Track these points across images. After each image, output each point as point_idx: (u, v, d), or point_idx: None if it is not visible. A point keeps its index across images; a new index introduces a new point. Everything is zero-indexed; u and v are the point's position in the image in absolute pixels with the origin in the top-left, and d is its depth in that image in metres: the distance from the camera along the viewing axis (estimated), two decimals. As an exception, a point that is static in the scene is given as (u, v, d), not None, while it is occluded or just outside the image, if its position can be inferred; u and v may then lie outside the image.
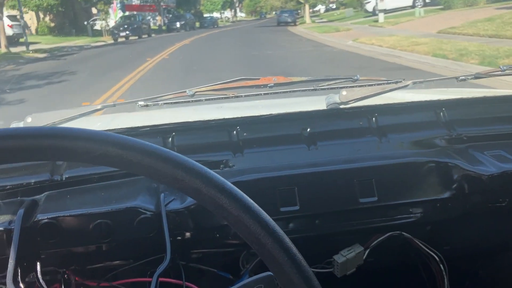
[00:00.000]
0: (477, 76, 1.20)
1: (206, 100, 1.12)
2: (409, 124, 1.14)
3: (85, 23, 32.19)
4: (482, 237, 1.15)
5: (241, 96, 1.15)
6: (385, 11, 25.23)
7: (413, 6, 26.69)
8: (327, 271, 1.02)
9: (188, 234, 0.94)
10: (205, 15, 58.67)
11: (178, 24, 35.84)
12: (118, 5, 38.50)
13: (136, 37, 29.37)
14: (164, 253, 0.85)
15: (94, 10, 36.68)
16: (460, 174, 0.98)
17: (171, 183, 0.44)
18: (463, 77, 1.22)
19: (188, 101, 1.12)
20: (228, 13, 77.56)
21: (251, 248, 1.02)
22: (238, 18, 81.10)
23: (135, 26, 29.59)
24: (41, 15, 32.39)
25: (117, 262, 0.98)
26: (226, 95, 1.11)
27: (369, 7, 29.16)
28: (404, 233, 1.05)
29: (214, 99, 1.14)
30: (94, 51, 18.98)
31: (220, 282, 1.03)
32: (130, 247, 0.95)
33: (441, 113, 1.15)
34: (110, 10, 36.30)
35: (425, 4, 26.26)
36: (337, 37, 15.75)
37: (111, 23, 32.45)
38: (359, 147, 1.08)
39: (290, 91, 1.20)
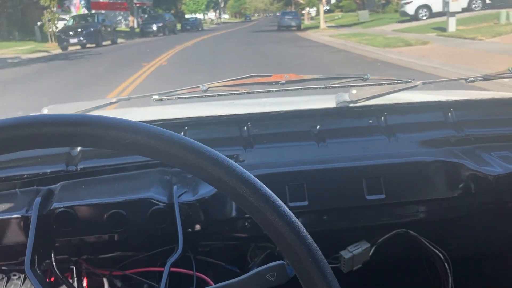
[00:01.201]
0: (486, 78, 1.56)
1: (218, 95, 1.44)
2: (417, 123, 1.46)
3: (38, 23, 29.20)
4: (487, 237, 1.45)
5: (253, 92, 1.47)
6: (432, 15, 23.47)
7: (468, 9, 23.59)
8: (333, 266, 1.20)
9: (198, 226, 1.20)
10: (187, 16, 60.70)
11: (154, 27, 35.27)
12: (82, 2, 38.04)
13: (94, 45, 25.36)
14: (175, 245, 1.11)
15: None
16: (467, 174, 1.27)
17: (195, 172, 0.62)
18: (472, 79, 1.58)
19: (201, 96, 1.44)
20: (211, 14, 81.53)
21: (259, 242, 1.46)
22: (222, 20, 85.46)
23: (92, 29, 25.68)
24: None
25: (129, 252, 1.25)
26: (238, 91, 1.43)
27: (410, 9, 26.65)
28: (410, 231, 1.36)
29: (227, 94, 1.46)
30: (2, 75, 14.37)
31: (227, 276, 1.20)
32: (142, 238, 1.21)
33: (449, 114, 1.47)
34: (72, 8, 35.99)
35: (484, 6, 24.47)
36: (436, 59, 12.03)
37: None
38: (367, 145, 1.38)
39: (301, 89, 1.52)
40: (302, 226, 0.63)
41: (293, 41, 22.84)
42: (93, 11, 36.95)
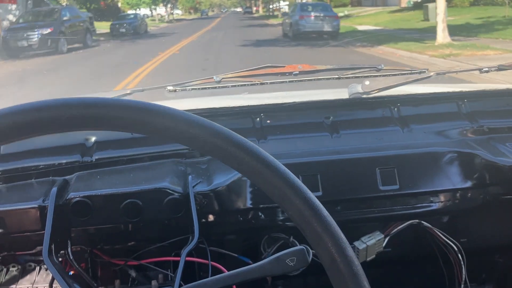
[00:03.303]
0: (501, 68, 1.56)
1: (232, 86, 1.46)
2: (431, 114, 1.47)
3: None
4: (501, 229, 1.46)
5: (267, 83, 1.49)
6: None
7: None
8: None
9: (212, 216, 1.23)
10: (125, 13, 38.95)
11: (34, 37, 17.16)
12: None
13: None
14: (189, 235, 1.13)
15: None
16: (481, 165, 1.28)
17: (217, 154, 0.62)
18: (486, 69, 1.59)
19: (215, 87, 1.46)
20: (161, 10, 65.09)
21: (272, 232, 1.49)
22: (174, 16, 69.45)
23: None
24: None
25: (143, 242, 1.27)
26: (252, 81, 1.46)
27: None
28: (424, 222, 1.37)
29: (240, 85, 1.49)
30: None
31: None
32: (157, 228, 1.24)
33: (463, 105, 1.48)
34: None
35: None
36: None
37: None
38: (381, 136, 1.39)
39: (314, 79, 1.53)
40: (315, 198, 0.65)
41: None
42: None
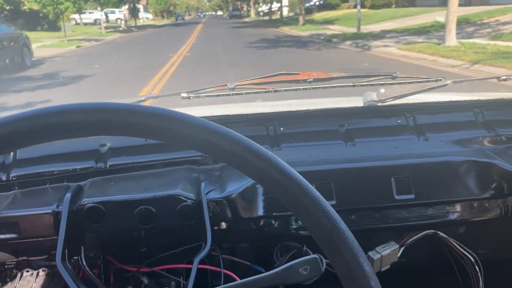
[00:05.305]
0: None
1: (246, 93, 1.46)
2: (447, 123, 1.46)
3: None
4: None
5: (281, 90, 1.49)
6: None
7: None
8: None
9: (225, 224, 1.22)
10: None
11: None
12: None
13: None
14: (201, 242, 1.13)
15: None
16: (499, 174, 1.26)
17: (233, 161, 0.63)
18: (505, 77, 1.57)
19: (229, 94, 1.46)
20: (120, 13, 48.77)
21: (285, 241, 1.49)
22: (142, 22, 57.64)
23: None
24: None
25: (156, 248, 1.28)
26: (266, 89, 1.45)
27: None
28: (440, 233, 1.36)
29: (254, 92, 1.48)
30: None
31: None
32: (170, 234, 1.24)
33: (480, 113, 1.47)
34: None
35: None
36: None
37: None
38: (396, 145, 1.38)
39: (329, 87, 1.53)
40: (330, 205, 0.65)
41: None
42: None
